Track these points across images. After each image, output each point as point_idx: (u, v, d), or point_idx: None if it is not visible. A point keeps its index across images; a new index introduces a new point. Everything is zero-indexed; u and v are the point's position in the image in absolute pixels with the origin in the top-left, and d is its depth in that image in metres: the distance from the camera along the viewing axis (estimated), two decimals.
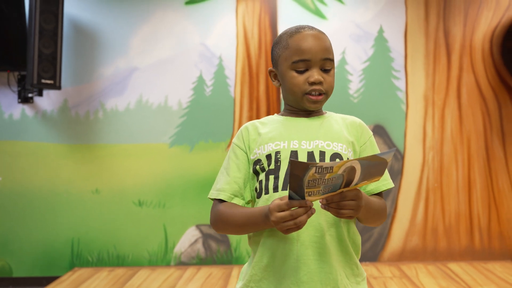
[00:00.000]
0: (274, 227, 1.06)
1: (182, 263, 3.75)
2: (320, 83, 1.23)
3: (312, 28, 1.27)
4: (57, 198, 3.74)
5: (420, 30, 3.81)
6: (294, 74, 1.24)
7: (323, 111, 1.34)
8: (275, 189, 1.18)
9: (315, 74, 1.22)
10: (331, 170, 0.95)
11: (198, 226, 3.75)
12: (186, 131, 3.78)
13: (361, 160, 0.98)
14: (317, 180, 0.95)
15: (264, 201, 1.19)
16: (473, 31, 3.79)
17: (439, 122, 3.80)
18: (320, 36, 1.26)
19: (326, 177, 0.94)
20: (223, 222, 1.22)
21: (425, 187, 3.79)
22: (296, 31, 1.27)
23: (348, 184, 1.00)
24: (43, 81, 3.47)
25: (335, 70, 3.77)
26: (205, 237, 3.76)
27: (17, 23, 3.65)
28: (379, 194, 1.28)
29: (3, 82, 3.74)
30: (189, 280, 3.36)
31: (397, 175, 3.78)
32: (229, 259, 3.75)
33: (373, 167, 1.00)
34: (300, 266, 1.15)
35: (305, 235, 1.15)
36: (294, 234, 1.14)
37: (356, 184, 1.01)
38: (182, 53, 3.80)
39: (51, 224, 3.74)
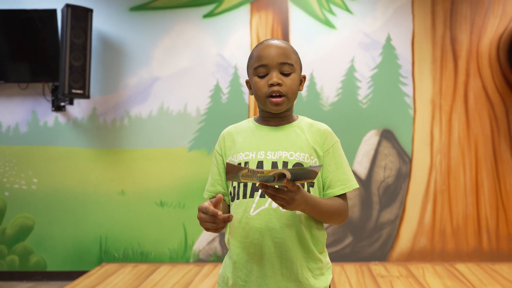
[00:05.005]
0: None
1: (200, 260, 3.89)
2: (278, 84, 1.32)
3: (275, 39, 1.37)
4: (86, 199, 3.94)
5: (427, 37, 3.82)
6: (257, 79, 1.35)
7: (295, 116, 1.42)
8: (244, 195, 1.31)
9: (273, 77, 1.32)
10: (261, 173, 1.06)
11: None
12: (204, 136, 3.92)
13: (291, 170, 1.06)
14: (250, 175, 1.07)
15: (236, 205, 1.33)
16: (480, 37, 3.78)
17: (447, 126, 3.81)
18: (279, 44, 1.35)
19: (258, 175, 1.07)
20: None
21: (433, 189, 3.80)
22: (260, 43, 1.38)
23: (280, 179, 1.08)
24: (73, 91, 3.66)
25: (344, 77, 3.98)
26: (222, 236, 3.88)
27: (51, 38, 3.86)
28: (342, 196, 1.36)
29: (39, 92, 3.98)
30: (206, 276, 3.50)
31: (405, 178, 3.83)
32: None
33: (303, 174, 1.08)
34: (265, 263, 1.28)
35: (268, 237, 1.27)
36: (259, 236, 1.27)
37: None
38: (200, 63, 3.94)
39: (81, 223, 3.93)
